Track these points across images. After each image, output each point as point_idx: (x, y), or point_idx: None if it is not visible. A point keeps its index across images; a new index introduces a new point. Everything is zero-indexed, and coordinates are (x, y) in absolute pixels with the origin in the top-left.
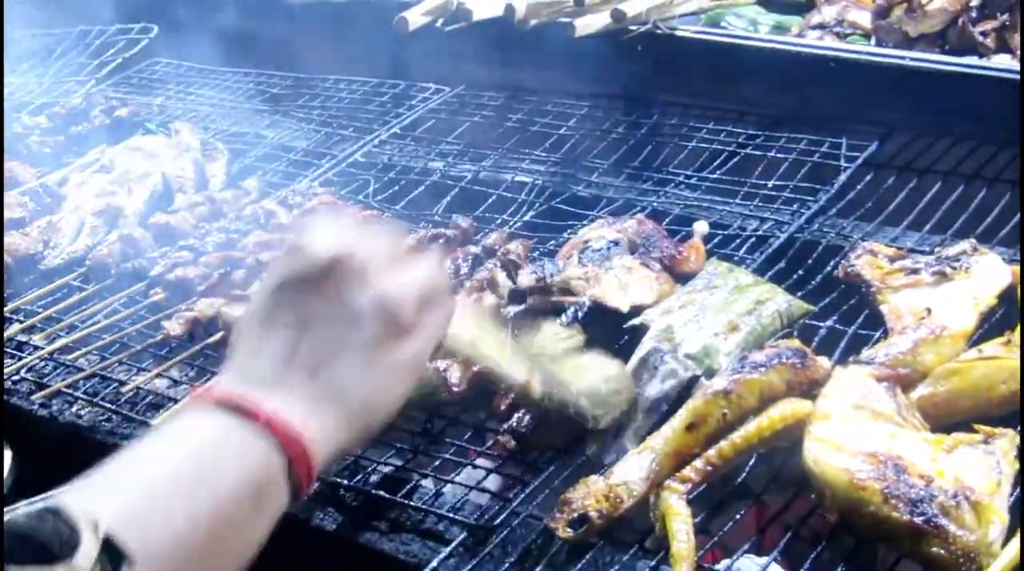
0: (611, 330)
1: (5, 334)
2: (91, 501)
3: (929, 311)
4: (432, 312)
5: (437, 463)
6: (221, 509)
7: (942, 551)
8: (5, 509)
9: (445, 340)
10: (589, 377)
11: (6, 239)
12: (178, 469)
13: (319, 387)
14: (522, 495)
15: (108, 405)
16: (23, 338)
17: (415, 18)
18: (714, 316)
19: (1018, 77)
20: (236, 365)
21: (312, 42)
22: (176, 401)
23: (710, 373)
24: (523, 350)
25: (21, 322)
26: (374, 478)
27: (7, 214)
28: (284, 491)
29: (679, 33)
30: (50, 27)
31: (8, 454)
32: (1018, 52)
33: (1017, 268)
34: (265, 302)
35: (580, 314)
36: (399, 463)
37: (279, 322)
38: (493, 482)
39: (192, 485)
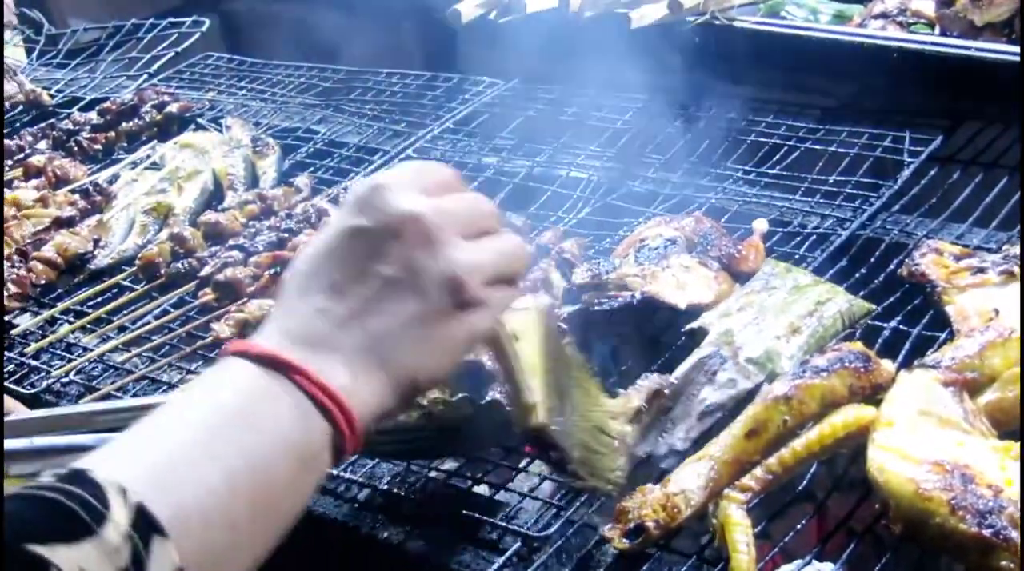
0: (667, 330)
1: (56, 335)
2: (124, 470)
3: (997, 312)
4: (500, 289)
5: (490, 469)
6: (258, 472)
7: (1012, 565)
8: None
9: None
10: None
11: (57, 238)
12: (212, 429)
13: (369, 350)
14: (577, 503)
15: None
16: (73, 340)
17: (468, 10)
18: (774, 318)
19: None
20: (281, 319)
21: (364, 35)
22: None
23: (772, 377)
24: (556, 371)
25: (71, 323)
26: (426, 485)
27: (57, 212)
28: (327, 453)
29: (738, 23)
30: (101, 21)
31: None
32: None
33: None
34: (321, 254)
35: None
36: (450, 469)
37: (334, 277)
38: (547, 489)
39: (227, 446)
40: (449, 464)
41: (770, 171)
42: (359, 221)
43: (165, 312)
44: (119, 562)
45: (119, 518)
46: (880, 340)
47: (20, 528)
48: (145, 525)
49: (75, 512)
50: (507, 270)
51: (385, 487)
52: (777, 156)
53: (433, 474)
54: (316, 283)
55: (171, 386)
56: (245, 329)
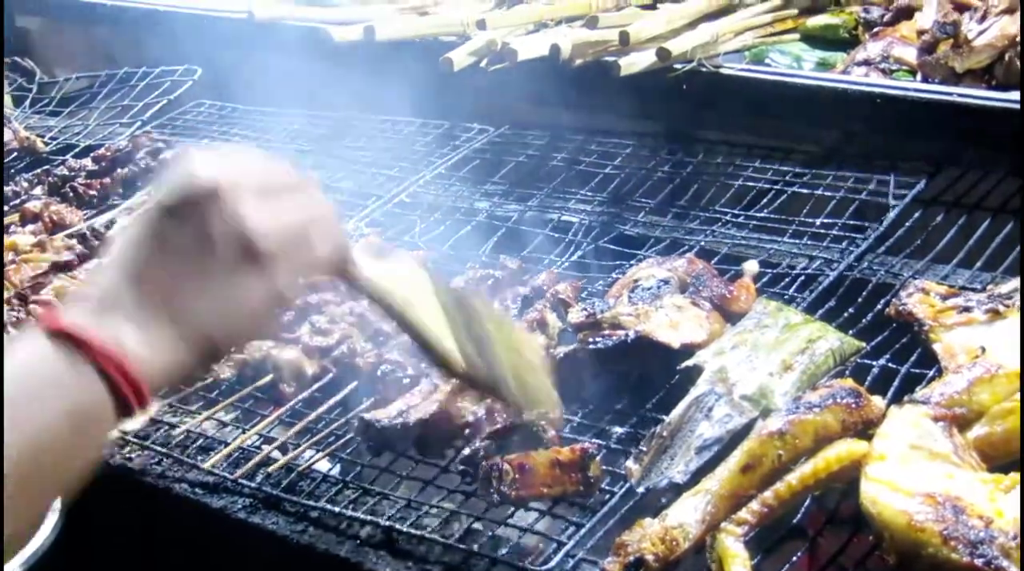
0: (661, 369)
1: None
2: None
3: (983, 349)
4: (298, 247)
5: (489, 506)
6: (38, 439)
7: None
8: None
9: (360, 284)
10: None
11: (55, 282)
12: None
13: (160, 312)
14: (576, 537)
15: (159, 448)
16: None
17: (460, 58)
18: (767, 356)
19: None
20: (94, 290)
21: (357, 82)
22: (226, 444)
23: (766, 413)
24: (462, 320)
25: None
26: (427, 521)
27: (55, 257)
28: (109, 415)
29: (724, 71)
30: (94, 69)
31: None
32: None
33: None
34: (129, 230)
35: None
36: (451, 507)
37: (135, 248)
38: (546, 524)
39: (8, 416)
40: (448, 503)
41: (758, 214)
42: (161, 197)
43: None
44: None
45: None
46: (870, 377)
47: None
48: None
49: None
50: (302, 223)
51: (387, 524)
52: (765, 200)
53: (434, 511)
54: (123, 258)
55: (171, 426)
56: (244, 370)
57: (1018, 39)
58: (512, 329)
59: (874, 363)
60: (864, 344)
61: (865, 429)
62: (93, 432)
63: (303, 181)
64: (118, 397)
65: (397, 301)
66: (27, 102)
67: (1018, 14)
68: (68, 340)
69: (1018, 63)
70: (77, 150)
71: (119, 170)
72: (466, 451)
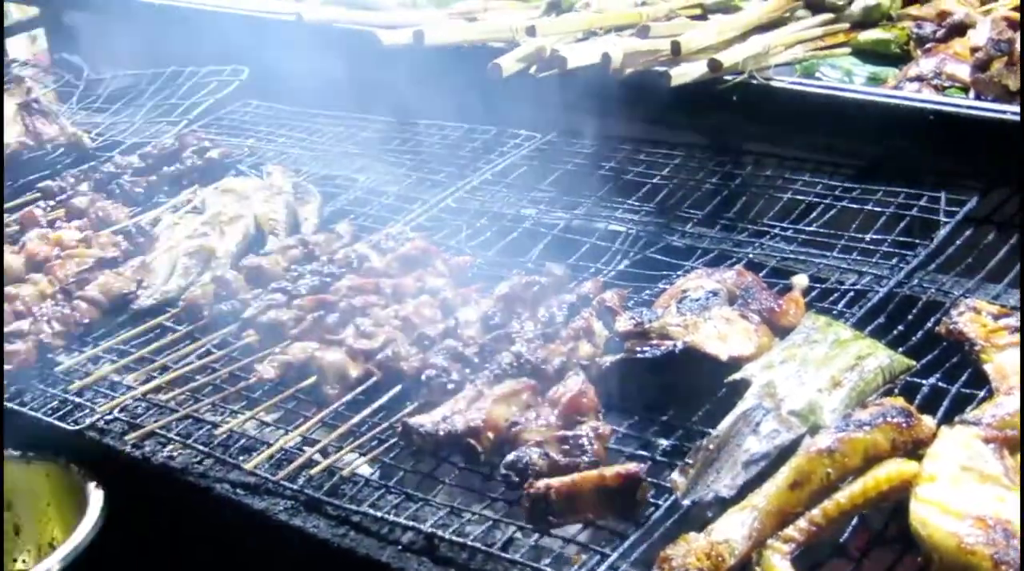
0: (708, 381)
1: (99, 373)
2: None
3: None
4: None
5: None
6: None
7: None
8: None
9: None
10: None
11: (100, 278)
12: None
13: None
14: (620, 549)
15: (201, 447)
16: (116, 378)
17: (509, 64)
18: (816, 371)
19: None
20: None
21: (404, 86)
22: (268, 445)
23: (814, 430)
24: None
25: (114, 362)
26: (469, 528)
27: (100, 253)
28: None
29: (775, 83)
30: (142, 67)
31: (100, 494)
32: None
33: None
34: None
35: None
36: (494, 515)
37: None
38: (589, 535)
39: None
40: (490, 511)
41: (807, 228)
42: None
43: (208, 352)
44: None
45: None
46: (919, 396)
47: None
48: None
49: None
50: None
51: (429, 530)
52: (814, 213)
53: (476, 518)
54: None
55: (214, 425)
56: (288, 372)
57: None
58: None
59: (924, 382)
60: (914, 362)
61: (915, 449)
62: None
63: None
64: None
65: None
66: (74, 98)
67: None
68: None
69: None
70: (123, 147)
71: (165, 168)
72: (510, 457)
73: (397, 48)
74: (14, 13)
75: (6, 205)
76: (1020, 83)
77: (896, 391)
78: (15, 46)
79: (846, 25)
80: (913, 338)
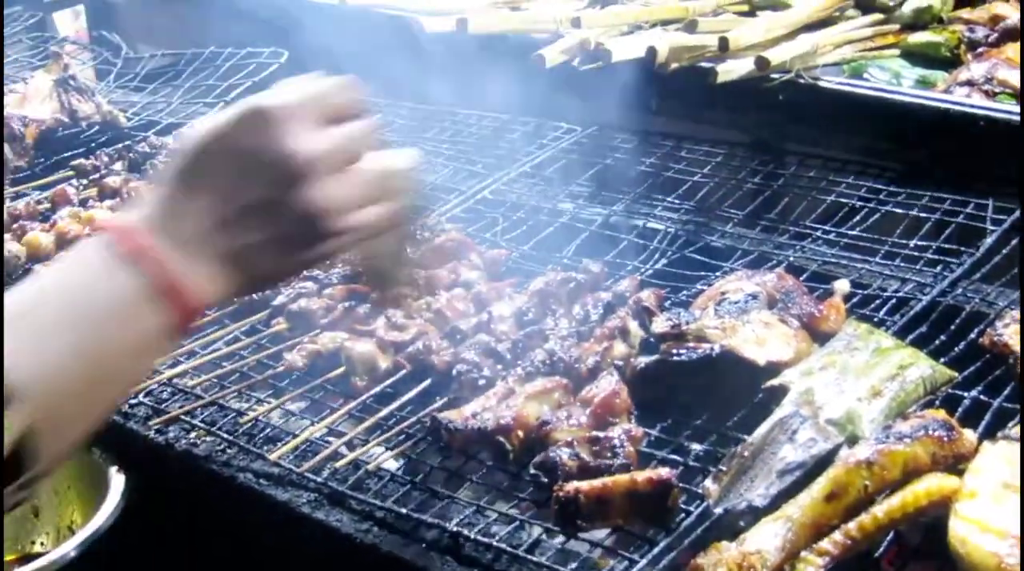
0: (745, 386)
1: None
2: None
3: None
4: (366, 214)
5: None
6: (110, 365)
7: None
8: None
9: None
10: None
11: None
12: (56, 306)
13: (222, 255)
14: (649, 556)
15: (225, 435)
16: None
17: (552, 55)
18: (856, 380)
19: None
20: (154, 207)
21: (444, 74)
22: (294, 435)
23: (852, 440)
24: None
25: None
26: (495, 528)
27: None
28: (160, 331)
29: (822, 83)
30: (180, 47)
31: (121, 479)
32: None
33: None
34: (201, 157)
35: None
36: (521, 515)
37: (206, 185)
38: (617, 539)
39: (70, 321)
40: (517, 511)
41: (850, 232)
42: (239, 141)
43: (236, 339)
44: None
45: None
46: (961, 409)
47: None
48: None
49: None
50: (374, 198)
51: (454, 529)
52: (857, 217)
53: (503, 518)
54: (192, 184)
55: (239, 413)
56: (317, 361)
57: None
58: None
59: (965, 394)
60: (956, 374)
61: (955, 464)
62: (146, 345)
63: (375, 144)
64: (169, 317)
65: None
66: (111, 76)
67: None
68: (143, 262)
69: None
70: (159, 127)
71: None
72: (539, 457)
73: (439, 35)
74: None
75: (40, 182)
76: (1020, 85)
77: (937, 403)
78: (59, 21)
79: (896, 26)
80: (956, 349)
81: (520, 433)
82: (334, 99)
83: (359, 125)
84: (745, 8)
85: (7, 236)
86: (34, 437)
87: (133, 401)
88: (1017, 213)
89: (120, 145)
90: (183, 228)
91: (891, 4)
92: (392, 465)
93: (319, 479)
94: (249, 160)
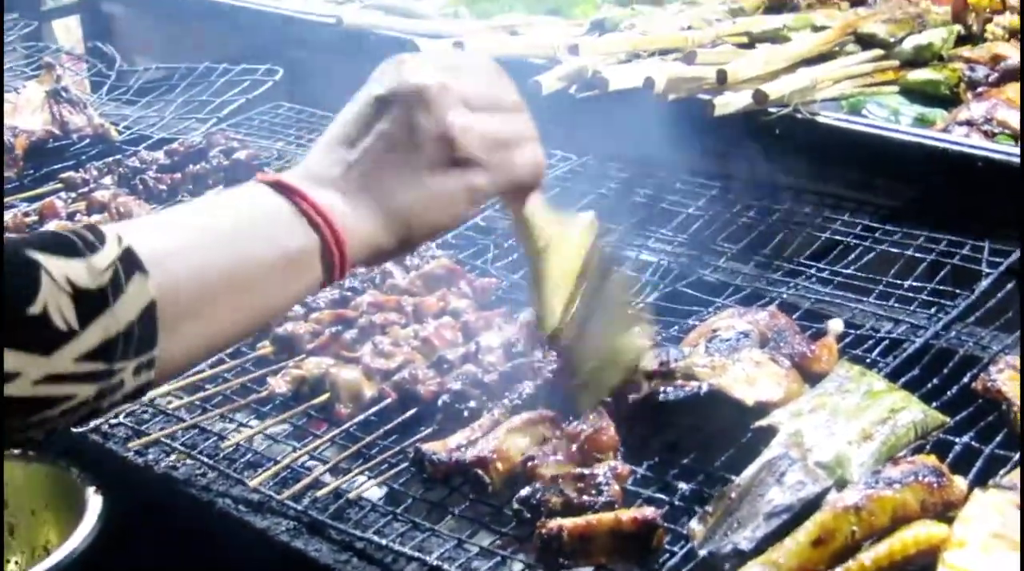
0: (733, 426)
1: None
2: (127, 230)
3: None
4: (507, 154)
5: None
6: (244, 266)
7: None
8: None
9: (524, 216)
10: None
11: None
12: (215, 224)
13: (365, 190)
14: None
15: (206, 459)
16: None
17: (549, 82)
18: (846, 422)
19: None
20: (304, 162)
21: None
22: (275, 461)
23: (841, 483)
24: (588, 287)
25: None
26: (476, 563)
27: None
28: (317, 264)
29: (820, 119)
30: (175, 61)
31: (98, 500)
32: None
33: None
34: (342, 116)
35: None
36: (503, 551)
37: (347, 132)
38: None
39: (222, 239)
40: (497, 545)
41: (844, 270)
42: (375, 89)
43: (220, 361)
44: (100, 281)
45: (110, 252)
46: (952, 455)
47: (27, 240)
48: (129, 261)
49: (74, 241)
50: (507, 137)
51: (435, 563)
52: (852, 256)
53: (483, 553)
54: (334, 137)
55: (220, 437)
56: (301, 387)
57: None
58: (628, 322)
59: (956, 440)
60: (948, 419)
61: (945, 511)
62: (299, 275)
63: (516, 102)
64: (326, 256)
65: (540, 244)
66: (104, 89)
67: None
68: (288, 193)
69: None
70: (150, 142)
71: (191, 166)
72: (523, 492)
73: None
74: None
75: (28, 193)
76: (1020, 126)
77: (928, 448)
78: (57, 30)
79: (896, 63)
80: (948, 393)
81: (500, 466)
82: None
83: (499, 85)
84: (744, 40)
85: None
86: (154, 315)
87: (113, 421)
88: (1015, 255)
89: (110, 159)
90: (321, 169)
91: (891, 40)
92: (374, 494)
93: (299, 507)
94: (376, 101)
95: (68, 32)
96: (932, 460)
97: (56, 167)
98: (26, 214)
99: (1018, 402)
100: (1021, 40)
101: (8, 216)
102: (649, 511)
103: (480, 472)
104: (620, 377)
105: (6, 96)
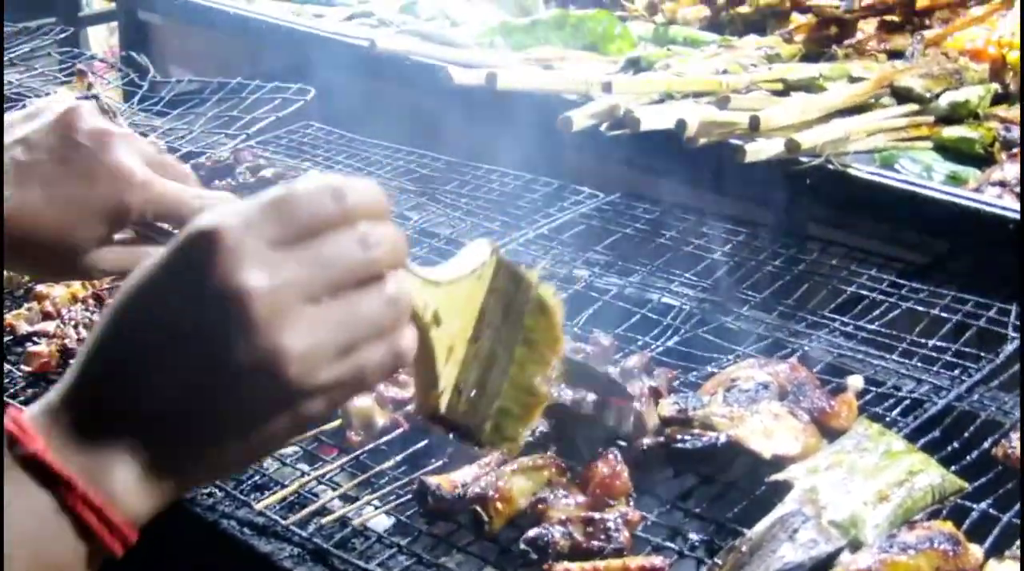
0: (747, 477)
1: None
2: None
3: None
4: (356, 359)
5: None
6: None
7: None
8: None
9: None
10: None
11: None
12: None
13: (162, 456)
14: None
15: None
16: None
17: (580, 119)
18: (863, 482)
19: None
20: (76, 379)
21: (469, 126)
22: (282, 485)
23: (855, 544)
24: (491, 336)
25: None
26: None
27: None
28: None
29: (852, 171)
30: (208, 75)
31: None
32: None
33: None
34: (137, 315)
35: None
36: None
37: (141, 351)
38: None
39: None
40: None
41: (868, 326)
42: (183, 278)
43: None
44: None
45: None
46: (968, 521)
47: None
48: None
49: None
50: (356, 336)
51: None
52: (877, 311)
53: None
54: (120, 351)
55: None
56: None
57: None
58: (543, 356)
59: (974, 507)
60: (966, 484)
61: None
62: None
63: (390, 258)
64: (96, 546)
65: (427, 319)
66: (136, 98)
67: None
68: (49, 478)
69: None
70: (178, 154)
71: (217, 182)
72: (531, 533)
73: (467, 88)
74: (95, 2)
75: None
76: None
77: (944, 513)
78: (92, 37)
79: (931, 118)
80: (967, 457)
81: (500, 506)
82: (320, 204)
83: (344, 242)
84: (779, 87)
85: None
86: None
87: None
88: None
89: None
90: (91, 410)
91: (927, 96)
92: (381, 524)
93: (304, 533)
94: (182, 306)
95: (100, 40)
96: (949, 527)
97: None
98: None
99: None
100: (1021, 55)
101: None
102: (658, 560)
103: (479, 509)
104: (531, 416)
105: (36, 102)
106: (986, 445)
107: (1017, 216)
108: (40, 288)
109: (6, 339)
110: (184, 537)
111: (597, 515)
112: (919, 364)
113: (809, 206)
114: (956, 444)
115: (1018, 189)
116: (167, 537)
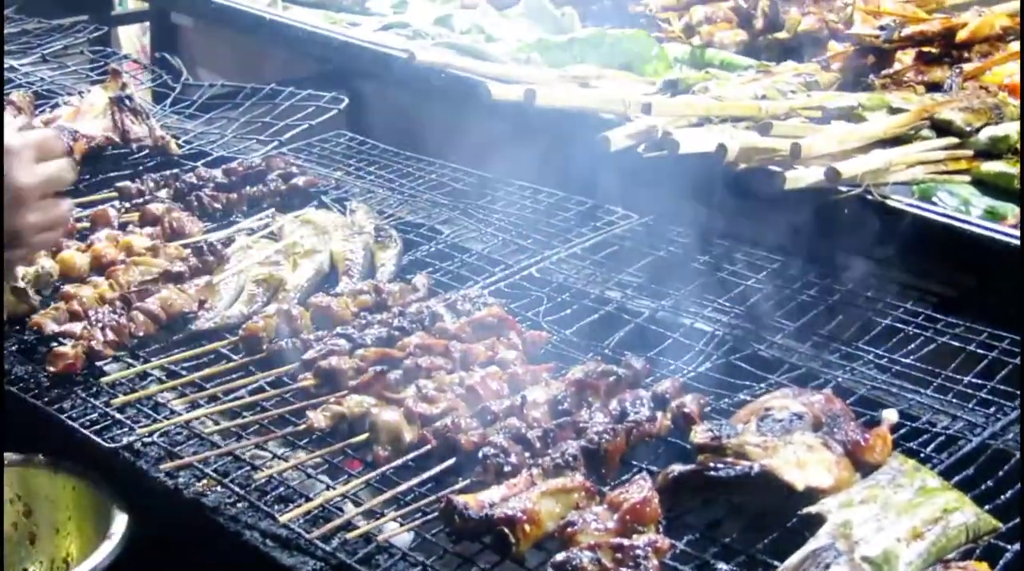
0: (779, 509)
1: (144, 391)
2: None
3: None
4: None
5: None
6: None
7: None
8: None
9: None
10: None
11: (163, 291)
12: None
13: None
14: None
15: (237, 489)
16: (161, 399)
17: (618, 139)
18: (897, 518)
19: None
20: None
21: (505, 142)
22: (307, 498)
23: None
24: None
25: (162, 382)
26: None
27: (167, 265)
28: None
29: (890, 202)
30: (242, 80)
31: (124, 518)
32: None
33: None
34: None
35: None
36: None
37: None
38: None
39: None
40: None
41: (903, 359)
42: None
43: (261, 389)
44: None
45: None
46: (1001, 562)
47: None
48: None
49: None
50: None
51: None
52: (912, 345)
53: None
54: None
55: (253, 467)
56: (340, 423)
57: None
58: None
59: (1008, 547)
60: (1000, 524)
61: None
62: None
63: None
64: None
65: None
66: (168, 100)
67: None
68: None
69: None
70: (209, 159)
71: (248, 187)
72: (559, 557)
73: (505, 103)
74: (129, 1)
75: (82, 199)
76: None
77: (978, 553)
78: (123, 36)
79: (970, 152)
80: (1001, 497)
81: (527, 528)
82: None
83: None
84: (818, 114)
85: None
86: None
87: (147, 440)
88: None
89: (168, 172)
90: None
91: (967, 130)
92: (404, 541)
93: (328, 548)
94: None
95: (132, 39)
96: (983, 567)
97: (112, 175)
98: (78, 220)
99: None
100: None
101: None
102: None
103: (507, 531)
104: None
105: (70, 99)
106: (1020, 485)
107: None
108: (67, 288)
109: (32, 337)
110: (206, 547)
111: (626, 541)
112: (954, 400)
113: (846, 236)
114: (990, 483)
115: None
116: (189, 545)
